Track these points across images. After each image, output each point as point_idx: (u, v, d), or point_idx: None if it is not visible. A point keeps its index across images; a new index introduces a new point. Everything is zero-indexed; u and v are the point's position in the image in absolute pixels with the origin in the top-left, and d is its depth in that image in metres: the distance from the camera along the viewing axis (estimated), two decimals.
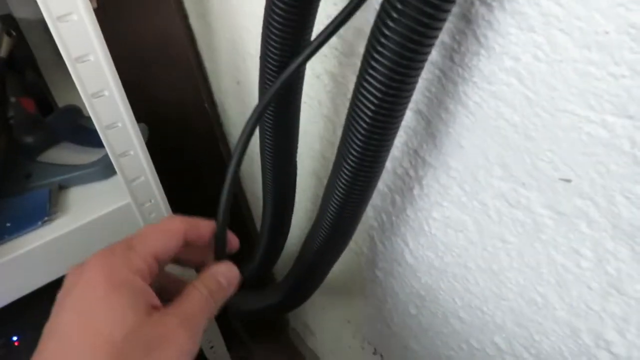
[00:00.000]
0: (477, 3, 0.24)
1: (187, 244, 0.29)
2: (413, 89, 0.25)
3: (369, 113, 0.25)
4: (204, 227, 0.30)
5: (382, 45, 0.22)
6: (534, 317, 0.33)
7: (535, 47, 0.23)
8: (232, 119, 0.71)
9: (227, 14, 0.53)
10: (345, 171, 0.30)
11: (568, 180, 0.25)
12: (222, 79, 0.66)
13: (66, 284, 0.25)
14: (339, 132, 0.44)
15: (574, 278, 0.28)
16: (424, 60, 0.23)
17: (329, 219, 0.34)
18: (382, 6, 0.22)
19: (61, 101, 0.65)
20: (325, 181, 0.51)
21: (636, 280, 0.25)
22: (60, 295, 0.25)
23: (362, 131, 0.26)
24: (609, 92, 0.21)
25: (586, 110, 0.22)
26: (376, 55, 0.23)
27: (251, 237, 0.86)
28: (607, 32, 0.20)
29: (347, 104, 0.39)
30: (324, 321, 0.78)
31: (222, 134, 0.75)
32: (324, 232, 0.35)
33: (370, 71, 0.23)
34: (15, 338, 0.55)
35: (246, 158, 0.72)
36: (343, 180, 0.30)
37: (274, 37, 0.30)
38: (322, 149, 0.48)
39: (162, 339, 0.23)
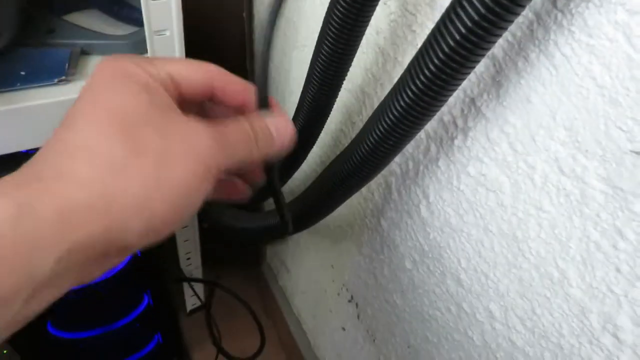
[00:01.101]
0: None
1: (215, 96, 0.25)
2: (504, 29, 0.23)
3: (446, 49, 0.23)
4: (237, 83, 0.25)
5: None
6: (543, 291, 0.32)
7: None
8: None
9: None
10: (402, 100, 0.28)
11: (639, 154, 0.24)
12: None
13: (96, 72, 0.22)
14: (389, 67, 0.42)
15: (604, 258, 0.28)
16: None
17: (367, 145, 0.33)
18: None
19: None
20: (355, 118, 0.49)
21: None
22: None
23: (432, 67, 0.25)
24: None
25: None
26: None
27: None
28: None
29: (409, 38, 0.37)
30: (305, 261, 0.78)
31: (251, 51, 0.72)
32: (356, 158, 0.34)
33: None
34: None
35: (281, 55, 0.69)
36: (398, 109, 0.29)
37: None
38: (363, 83, 0.46)
39: (184, 136, 0.20)
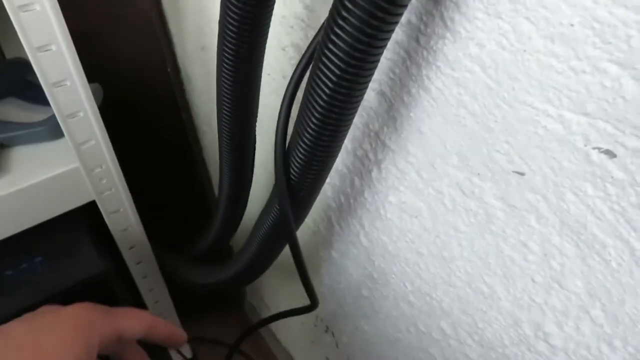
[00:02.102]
0: None
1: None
2: (373, 68, 0.24)
3: (327, 91, 0.24)
4: (163, 327, 0.33)
5: (343, 18, 0.21)
6: (480, 305, 0.33)
7: (500, 35, 0.22)
8: (195, 85, 0.68)
9: None
10: (301, 149, 0.28)
11: (522, 174, 0.25)
12: (186, 44, 0.63)
13: (41, 308, 0.29)
14: None
15: (519, 270, 0.28)
16: (387, 35, 0.22)
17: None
18: None
19: (9, 54, 0.61)
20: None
21: (577, 276, 0.25)
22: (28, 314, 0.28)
23: (319, 108, 0.25)
24: (568, 87, 0.20)
25: (544, 104, 0.22)
26: (337, 29, 0.21)
27: (210, 208, 0.84)
28: (572, 25, 0.19)
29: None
30: (279, 297, 0.78)
31: (184, 101, 0.72)
32: (277, 209, 0.34)
33: (330, 46, 0.22)
34: None
35: (210, 131, 0.70)
36: (299, 158, 0.29)
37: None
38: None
39: None
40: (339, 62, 0.22)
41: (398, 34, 0.28)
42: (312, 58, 0.29)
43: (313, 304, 0.41)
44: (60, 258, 0.49)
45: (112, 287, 0.53)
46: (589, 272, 0.24)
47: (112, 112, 0.53)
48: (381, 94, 0.32)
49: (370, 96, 0.33)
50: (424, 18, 0.26)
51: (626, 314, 0.23)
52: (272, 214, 0.35)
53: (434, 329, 0.40)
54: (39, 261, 0.49)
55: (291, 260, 0.56)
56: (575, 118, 0.21)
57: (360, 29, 0.21)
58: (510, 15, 0.21)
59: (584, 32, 0.19)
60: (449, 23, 0.24)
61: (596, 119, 0.20)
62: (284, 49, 0.40)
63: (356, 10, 0.20)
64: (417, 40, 0.27)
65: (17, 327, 0.26)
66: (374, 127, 0.34)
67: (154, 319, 0.33)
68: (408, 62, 0.28)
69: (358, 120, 0.35)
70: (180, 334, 0.35)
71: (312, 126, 0.26)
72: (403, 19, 0.27)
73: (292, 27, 0.38)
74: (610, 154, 0.20)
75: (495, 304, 0.32)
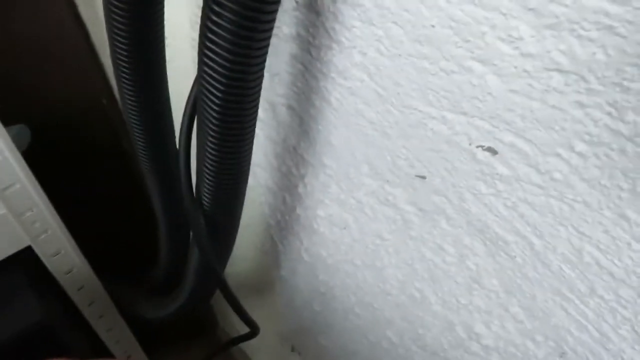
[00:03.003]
0: None
1: None
2: (258, 75, 0.23)
3: (216, 107, 0.23)
4: None
5: (213, 32, 0.20)
6: (416, 311, 0.33)
7: (377, 41, 0.22)
8: None
9: None
10: (207, 176, 0.28)
11: (423, 177, 0.24)
12: None
13: None
14: None
15: (442, 273, 0.28)
16: (263, 41, 0.21)
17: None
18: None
19: None
20: None
21: (492, 275, 0.25)
22: None
23: (213, 127, 0.24)
24: (443, 88, 0.20)
25: (427, 107, 0.21)
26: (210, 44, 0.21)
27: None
28: (432, 26, 0.19)
29: None
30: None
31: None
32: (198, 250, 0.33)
33: (206, 59, 0.21)
34: None
35: None
36: (207, 186, 0.28)
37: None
38: None
39: None
40: (220, 74, 0.21)
41: (292, 47, 0.27)
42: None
43: (253, 331, 0.40)
44: None
45: (60, 334, 0.51)
46: (501, 269, 0.24)
47: (46, 151, 0.51)
48: (290, 108, 0.31)
49: (282, 111, 0.32)
50: (311, 30, 0.25)
51: (539, 309, 0.23)
52: (196, 252, 0.34)
53: (382, 339, 0.39)
54: None
55: (256, 279, 0.55)
56: (456, 118, 0.20)
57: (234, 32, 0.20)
58: (381, 21, 0.21)
59: (445, 32, 0.18)
60: (331, 33, 0.24)
61: (474, 117, 0.20)
62: None
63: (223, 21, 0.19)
64: (310, 53, 0.26)
65: None
66: (291, 141, 0.33)
67: None
68: (307, 75, 0.28)
69: (276, 136, 0.34)
70: None
71: (211, 150, 0.26)
72: (292, 32, 0.26)
73: None
74: (492, 151, 0.20)
75: (428, 309, 0.31)
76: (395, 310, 0.35)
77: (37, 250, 0.50)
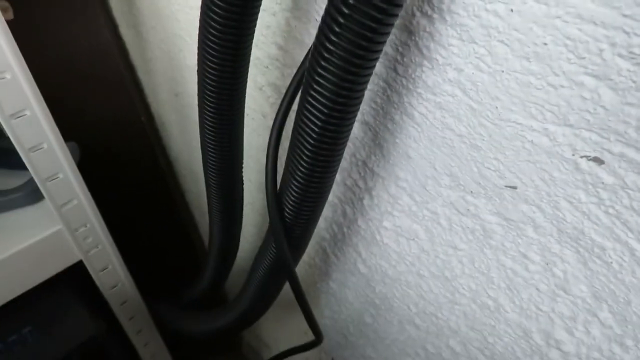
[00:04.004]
0: (418, 14, 0.24)
1: None
2: (360, 102, 0.24)
3: (316, 129, 0.24)
4: None
5: (326, 59, 0.21)
6: (487, 320, 0.33)
7: (477, 58, 0.23)
8: (171, 131, 0.68)
9: (160, 23, 0.50)
10: (294, 188, 0.29)
11: (514, 188, 0.25)
12: (159, 92, 0.63)
13: None
14: (286, 143, 0.43)
15: (523, 281, 0.29)
16: (371, 69, 0.23)
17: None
18: (326, 16, 0.21)
19: None
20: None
21: (581, 281, 0.25)
22: None
23: (309, 146, 0.26)
24: (549, 102, 0.21)
25: (528, 120, 0.22)
26: (321, 70, 0.22)
27: (199, 257, 0.82)
28: (545, 44, 0.20)
29: (292, 115, 0.38)
30: (280, 333, 0.76)
31: (161, 147, 0.72)
32: (274, 249, 0.34)
33: (316, 86, 0.22)
34: None
35: (191, 175, 0.69)
36: (292, 198, 0.29)
37: (211, 43, 0.28)
38: None
39: None
40: (325, 101, 0.23)
41: (376, 67, 0.28)
42: (293, 97, 0.29)
43: (318, 339, 0.40)
44: (51, 325, 0.47)
45: (107, 347, 0.51)
46: (592, 275, 0.25)
47: (90, 168, 0.52)
48: (365, 123, 0.32)
49: (354, 127, 0.33)
50: (400, 49, 0.26)
51: (634, 313, 0.24)
52: (269, 256, 0.35)
53: (443, 349, 0.39)
54: (28, 331, 0.47)
55: (288, 296, 0.55)
56: (560, 130, 0.22)
57: (344, 68, 0.21)
58: (484, 40, 0.22)
59: (557, 49, 0.20)
60: (424, 51, 0.25)
61: (580, 129, 0.21)
62: (260, 89, 0.41)
63: (338, 51, 0.21)
64: (396, 70, 0.27)
65: None
66: (361, 155, 0.34)
67: None
68: (389, 91, 0.29)
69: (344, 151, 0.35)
70: None
71: (304, 164, 0.27)
72: None
73: (267, 67, 0.38)
74: (598, 160, 0.21)
75: (502, 317, 0.32)
76: (463, 320, 0.35)
77: (88, 265, 0.50)
